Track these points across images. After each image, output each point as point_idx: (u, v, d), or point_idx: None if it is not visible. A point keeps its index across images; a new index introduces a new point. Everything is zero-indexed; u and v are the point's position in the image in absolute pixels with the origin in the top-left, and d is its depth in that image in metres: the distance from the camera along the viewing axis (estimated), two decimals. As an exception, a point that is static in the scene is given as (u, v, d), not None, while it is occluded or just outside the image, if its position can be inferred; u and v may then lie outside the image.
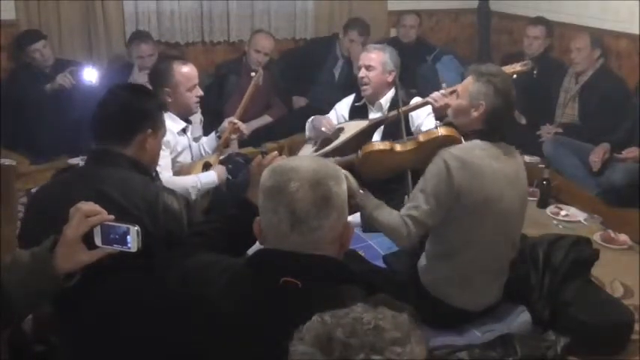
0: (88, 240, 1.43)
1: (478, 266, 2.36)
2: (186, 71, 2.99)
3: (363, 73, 3.35)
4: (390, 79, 3.35)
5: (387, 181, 2.89)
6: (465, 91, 2.40)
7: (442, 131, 2.58)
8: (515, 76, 3.11)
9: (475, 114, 2.35)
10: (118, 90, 2.06)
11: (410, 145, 2.68)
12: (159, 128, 2.02)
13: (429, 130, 2.72)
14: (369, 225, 3.06)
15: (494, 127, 2.36)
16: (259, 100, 4.50)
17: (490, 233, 2.33)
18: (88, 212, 1.43)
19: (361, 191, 2.39)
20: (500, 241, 2.39)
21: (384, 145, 2.72)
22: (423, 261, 2.48)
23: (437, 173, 2.27)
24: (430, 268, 2.44)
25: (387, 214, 2.35)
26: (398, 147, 2.69)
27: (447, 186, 2.25)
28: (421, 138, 2.65)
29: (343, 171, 2.66)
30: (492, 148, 2.34)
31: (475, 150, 2.32)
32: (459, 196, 2.25)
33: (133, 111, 1.96)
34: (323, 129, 3.31)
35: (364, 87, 3.37)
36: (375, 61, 3.32)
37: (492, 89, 2.32)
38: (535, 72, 4.20)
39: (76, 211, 1.43)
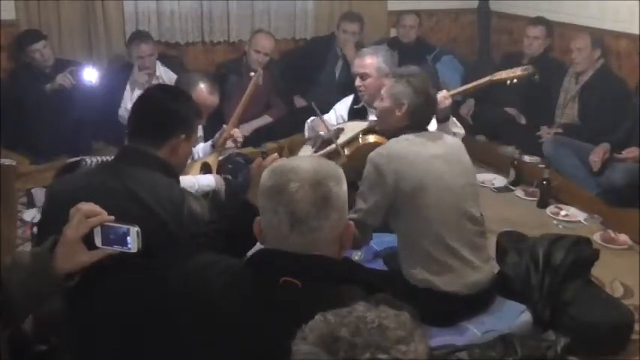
0: (88, 240, 1.43)
1: (443, 245, 2.39)
2: (205, 98, 2.95)
3: (358, 82, 3.29)
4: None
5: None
6: (387, 93, 2.58)
7: (366, 139, 2.82)
8: (515, 80, 3.11)
9: (399, 113, 2.53)
10: (158, 91, 2.05)
11: (340, 161, 2.89)
12: (192, 134, 2.02)
13: (352, 142, 2.97)
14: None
15: (417, 122, 2.55)
16: (259, 100, 4.50)
17: (440, 211, 2.39)
18: (88, 213, 1.42)
19: None
20: (456, 216, 2.42)
21: None
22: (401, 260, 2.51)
23: (368, 175, 2.45)
24: (405, 262, 2.47)
25: None
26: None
27: (380, 183, 2.40)
28: (346, 152, 2.92)
29: None
30: (417, 137, 2.49)
31: (400, 142, 2.49)
32: (396, 187, 2.38)
33: (170, 115, 1.95)
34: (321, 133, 3.29)
35: (361, 94, 3.32)
36: (370, 68, 3.25)
37: (412, 89, 2.50)
38: (536, 77, 4.18)
39: (77, 212, 1.43)
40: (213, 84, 3.12)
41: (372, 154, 2.47)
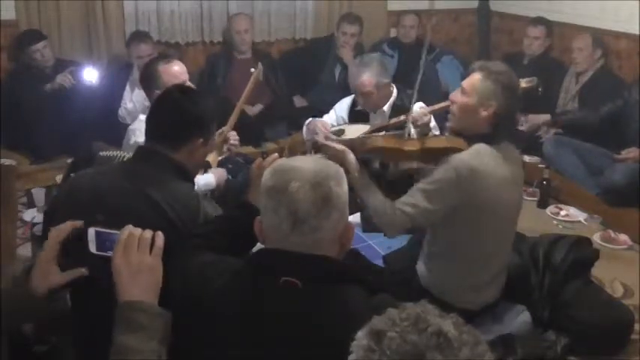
0: (65, 259, 1.47)
1: (478, 267, 2.36)
2: (171, 70, 2.90)
3: (361, 100, 3.37)
4: (390, 88, 3.36)
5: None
6: (473, 89, 2.28)
7: (449, 143, 2.44)
8: None
9: (484, 114, 2.26)
10: (177, 92, 2.01)
11: (416, 147, 2.54)
12: (210, 139, 1.99)
13: (439, 137, 2.68)
14: (368, 223, 3.06)
15: (501, 128, 2.29)
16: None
17: (492, 236, 2.33)
18: (59, 236, 1.47)
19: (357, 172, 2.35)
20: (500, 242, 2.40)
21: (392, 144, 2.59)
22: (421, 263, 2.48)
23: (446, 179, 2.23)
24: (429, 269, 2.44)
25: (378, 198, 2.33)
26: (405, 148, 2.57)
27: (453, 194, 2.23)
28: (428, 144, 2.55)
29: (343, 147, 2.54)
30: (497, 152, 2.28)
31: (484, 157, 2.25)
32: (465, 204, 2.23)
33: (188, 119, 1.91)
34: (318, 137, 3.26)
35: (366, 107, 3.39)
36: (369, 87, 3.31)
37: (501, 88, 2.24)
38: (540, 90, 4.16)
39: (49, 237, 1.47)
40: (170, 56, 3.23)
41: (457, 162, 2.22)
